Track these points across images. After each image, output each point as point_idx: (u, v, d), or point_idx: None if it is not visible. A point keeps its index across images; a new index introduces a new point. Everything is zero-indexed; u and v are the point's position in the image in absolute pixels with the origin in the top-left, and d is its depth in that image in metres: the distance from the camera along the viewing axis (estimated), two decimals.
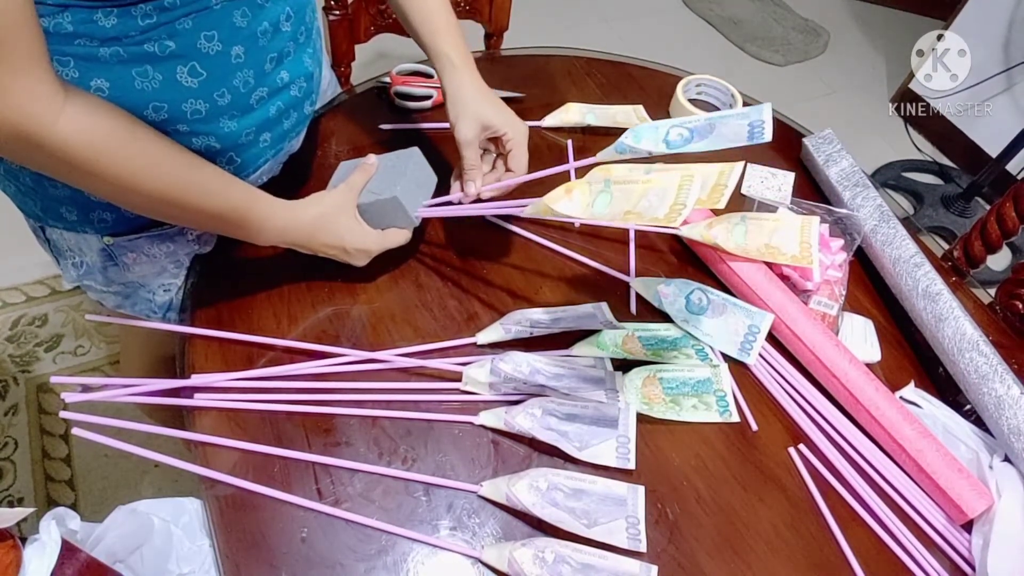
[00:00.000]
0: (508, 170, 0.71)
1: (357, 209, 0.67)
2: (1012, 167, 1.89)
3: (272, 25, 0.60)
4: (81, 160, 0.48)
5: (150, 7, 0.51)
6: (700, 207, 0.55)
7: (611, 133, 0.91)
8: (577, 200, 0.58)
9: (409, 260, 0.72)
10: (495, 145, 0.72)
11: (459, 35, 0.71)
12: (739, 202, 0.82)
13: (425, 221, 0.76)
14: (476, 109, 0.68)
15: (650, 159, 0.57)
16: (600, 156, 0.65)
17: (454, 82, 0.69)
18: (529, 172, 0.70)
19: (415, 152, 0.71)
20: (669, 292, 0.71)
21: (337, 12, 1.01)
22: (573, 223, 0.81)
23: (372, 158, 0.69)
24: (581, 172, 0.69)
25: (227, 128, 0.61)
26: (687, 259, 0.79)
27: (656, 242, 0.81)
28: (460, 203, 0.70)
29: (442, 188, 0.72)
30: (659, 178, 0.56)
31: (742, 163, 0.60)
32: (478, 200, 0.70)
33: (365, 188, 0.67)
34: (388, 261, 0.71)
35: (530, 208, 0.61)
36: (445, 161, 0.84)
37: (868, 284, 0.81)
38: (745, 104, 0.93)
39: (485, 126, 0.68)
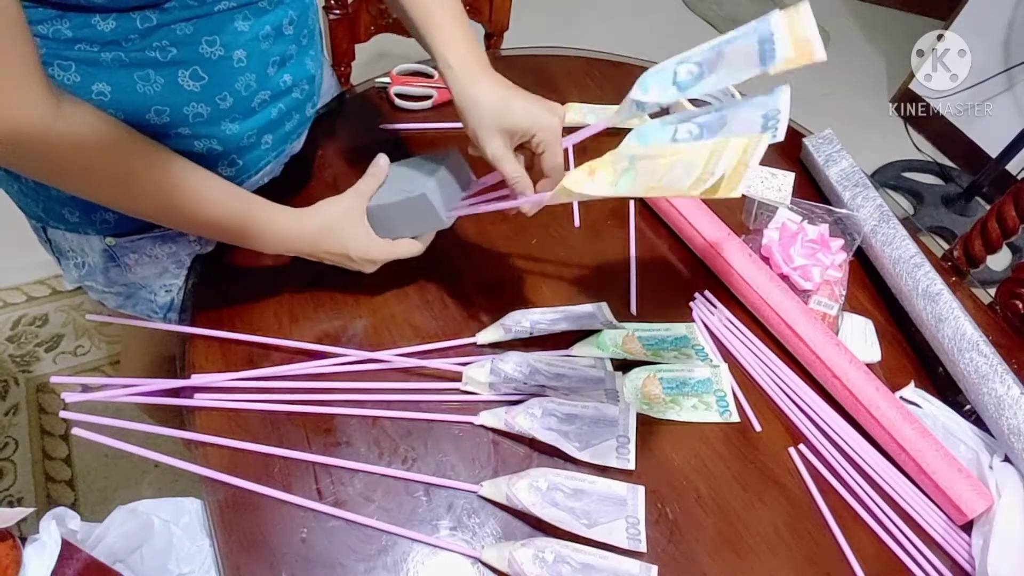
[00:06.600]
0: (544, 176, 0.62)
1: (383, 209, 0.64)
2: (1012, 167, 1.89)
3: (274, 29, 0.60)
4: (74, 167, 0.48)
5: (148, 11, 0.51)
6: (716, 196, 0.46)
7: (611, 133, 0.91)
8: (601, 180, 0.52)
9: (410, 260, 0.72)
10: (523, 148, 0.63)
11: (463, 32, 0.62)
12: (738, 202, 0.82)
13: None
14: (494, 118, 0.59)
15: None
16: (605, 121, 0.60)
17: (459, 88, 0.60)
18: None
19: (453, 152, 0.66)
20: (644, 150, 0.54)
21: (337, 12, 1.01)
22: (574, 222, 0.81)
23: (382, 159, 0.67)
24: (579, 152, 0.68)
25: (229, 131, 0.61)
26: (689, 263, 0.80)
27: (657, 245, 0.81)
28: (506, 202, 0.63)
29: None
30: (687, 149, 0.51)
31: (768, 135, 0.50)
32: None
33: (395, 188, 0.63)
34: (389, 261, 0.71)
35: (552, 194, 0.55)
36: None
37: (868, 284, 0.81)
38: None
39: (510, 133, 0.59)
